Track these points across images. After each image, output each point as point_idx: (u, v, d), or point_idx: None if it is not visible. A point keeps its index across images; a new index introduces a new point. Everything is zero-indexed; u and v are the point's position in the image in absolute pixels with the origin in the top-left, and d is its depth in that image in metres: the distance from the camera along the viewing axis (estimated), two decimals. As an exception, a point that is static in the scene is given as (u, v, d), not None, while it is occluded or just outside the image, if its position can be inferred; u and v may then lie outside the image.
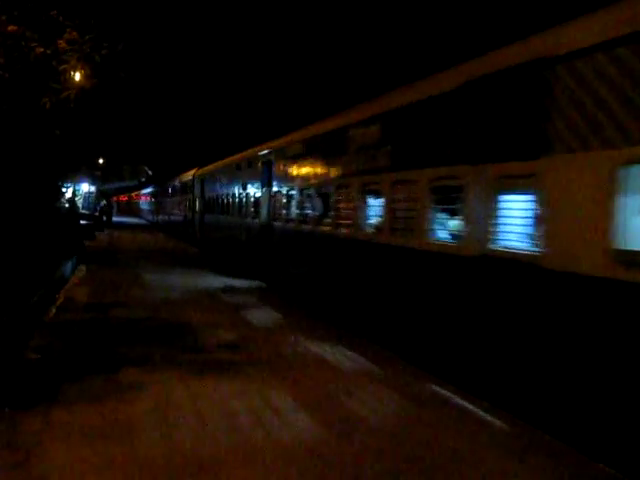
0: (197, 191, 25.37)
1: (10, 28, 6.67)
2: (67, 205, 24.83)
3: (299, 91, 32.19)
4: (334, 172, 10.33)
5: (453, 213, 6.96)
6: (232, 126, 40.99)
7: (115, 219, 45.24)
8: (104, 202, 42.47)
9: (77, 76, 7.57)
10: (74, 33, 7.09)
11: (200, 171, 25.63)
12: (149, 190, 53.30)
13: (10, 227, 9.43)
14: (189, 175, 28.13)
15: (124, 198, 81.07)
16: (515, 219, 5.75)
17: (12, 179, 9.46)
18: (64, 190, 25.36)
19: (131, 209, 71.71)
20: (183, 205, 29.89)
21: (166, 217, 38.56)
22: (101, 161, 39.00)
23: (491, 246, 5.94)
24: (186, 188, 28.56)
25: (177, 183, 32.91)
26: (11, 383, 5.97)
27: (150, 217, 50.49)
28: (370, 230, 9.04)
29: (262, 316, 10.33)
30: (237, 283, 14.56)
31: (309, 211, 11.63)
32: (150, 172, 71.84)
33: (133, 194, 70.90)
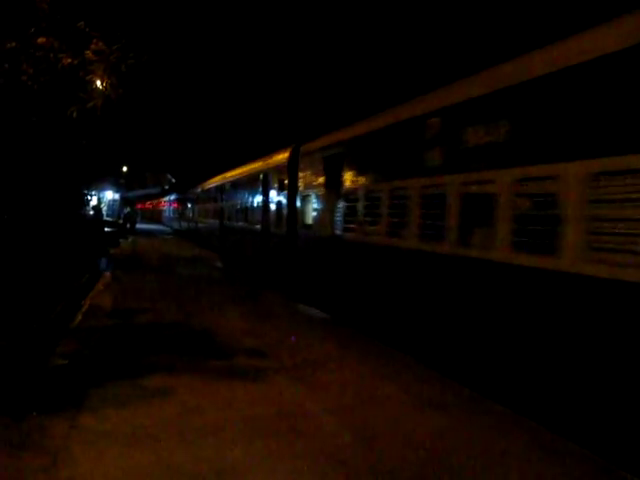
0: (322, 187, 12.00)
1: (39, 40, 6.81)
2: (92, 212, 25.27)
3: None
4: None
5: None
6: (252, 134, 41.19)
7: (139, 226, 45.56)
8: (128, 209, 42.93)
9: (103, 86, 7.70)
10: (100, 43, 7.21)
11: (337, 137, 11.52)
12: (175, 196, 50.15)
13: (38, 235, 9.61)
14: (274, 160, 16.38)
15: (148, 205, 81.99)
16: None
17: (41, 188, 9.65)
18: (89, 198, 25.82)
19: (155, 216, 72.15)
20: (251, 212, 19.06)
21: (210, 227, 27.78)
22: (125, 169, 39.70)
23: None
24: (262, 184, 17.48)
25: (235, 179, 22.28)
26: (39, 388, 6.07)
27: (184, 225, 42.23)
28: None
29: None
30: None
31: None
32: (173, 179, 72.84)
33: (162, 200, 70.23)
